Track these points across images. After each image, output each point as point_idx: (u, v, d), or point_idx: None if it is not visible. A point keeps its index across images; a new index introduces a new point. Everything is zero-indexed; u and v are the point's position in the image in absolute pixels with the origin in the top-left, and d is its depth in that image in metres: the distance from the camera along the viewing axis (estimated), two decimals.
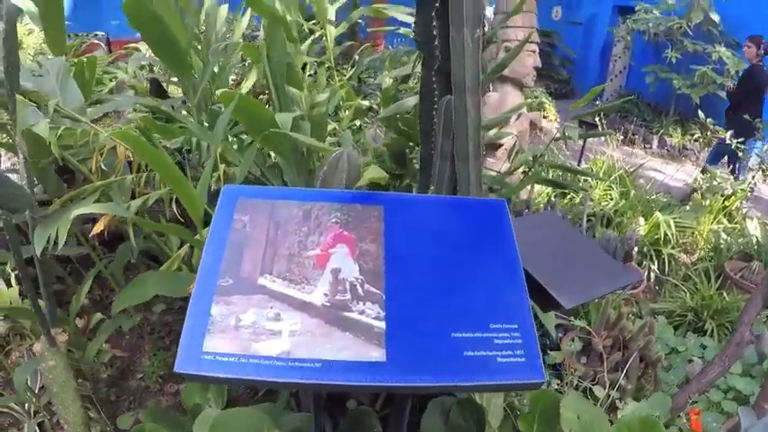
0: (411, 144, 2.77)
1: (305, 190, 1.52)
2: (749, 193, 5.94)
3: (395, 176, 2.77)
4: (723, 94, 9.14)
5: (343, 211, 1.34)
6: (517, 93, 3.93)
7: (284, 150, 2.25)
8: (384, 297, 1.20)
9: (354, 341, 1.13)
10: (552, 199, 4.88)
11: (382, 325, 1.16)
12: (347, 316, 1.17)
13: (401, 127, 2.68)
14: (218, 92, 1.94)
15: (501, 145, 3.84)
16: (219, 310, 1.16)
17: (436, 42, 1.92)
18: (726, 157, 7.51)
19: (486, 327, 1.19)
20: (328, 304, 1.18)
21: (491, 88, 3.96)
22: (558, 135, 2.80)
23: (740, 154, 6.53)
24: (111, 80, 6.40)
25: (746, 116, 7.00)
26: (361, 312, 1.17)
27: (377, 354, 1.11)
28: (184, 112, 3.07)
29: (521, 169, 3.26)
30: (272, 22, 2.31)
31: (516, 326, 1.20)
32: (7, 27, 1.92)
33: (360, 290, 1.21)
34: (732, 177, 6.54)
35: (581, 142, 5.91)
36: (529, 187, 4.13)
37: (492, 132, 3.29)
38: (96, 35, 9.16)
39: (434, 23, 1.91)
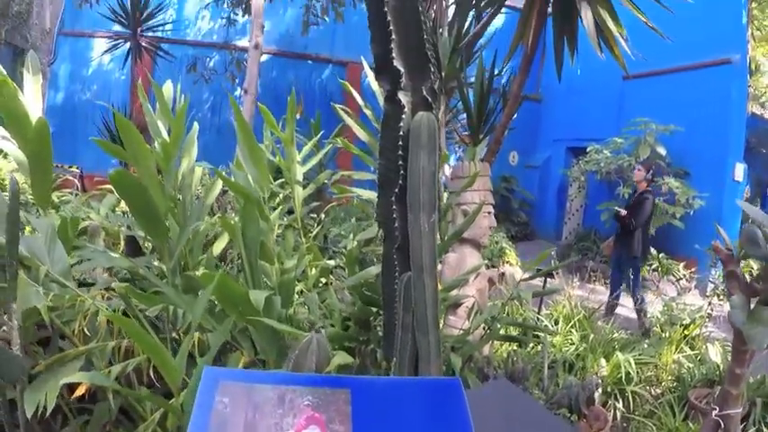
0: (375, 310, 2.94)
1: (279, 374, 1.68)
2: (707, 320, 6.05)
3: (360, 342, 2.93)
4: (678, 223, 9.52)
5: (314, 395, 1.49)
6: (475, 252, 4.14)
7: (257, 324, 2.43)
8: None
9: None
10: (515, 348, 4.99)
11: None
12: None
13: (366, 293, 2.88)
14: (199, 273, 2.14)
15: (462, 303, 4.02)
16: None
17: (396, 224, 2.14)
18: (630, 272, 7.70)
19: None
20: None
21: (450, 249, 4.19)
22: (513, 296, 3.02)
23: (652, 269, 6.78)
24: (83, 219, 6.54)
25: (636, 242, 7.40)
26: None
27: None
28: (156, 273, 3.22)
29: (482, 326, 3.43)
30: (247, 204, 2.54)
31: None
32: (11, 204, 2.13)
33: None
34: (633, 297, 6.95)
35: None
36: (490, 342, 4.29)
37: (453, 293, 3.50)
38: (71, 169, 9.38)
39: (394, 207, 2.15)
